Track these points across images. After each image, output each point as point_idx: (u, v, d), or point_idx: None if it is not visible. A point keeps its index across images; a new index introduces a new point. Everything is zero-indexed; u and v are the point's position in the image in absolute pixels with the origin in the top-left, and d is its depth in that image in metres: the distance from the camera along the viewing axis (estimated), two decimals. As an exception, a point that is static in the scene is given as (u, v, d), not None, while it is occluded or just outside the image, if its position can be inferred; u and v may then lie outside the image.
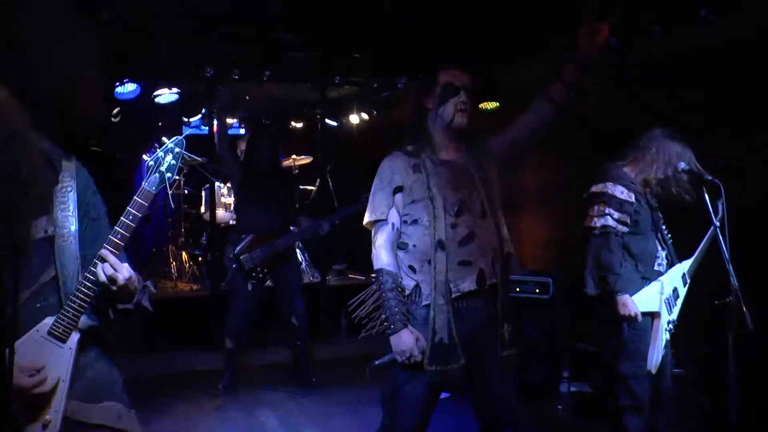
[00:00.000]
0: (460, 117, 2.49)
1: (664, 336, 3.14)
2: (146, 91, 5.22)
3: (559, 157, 5.61)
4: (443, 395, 4.37)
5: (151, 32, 4.53)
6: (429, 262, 2.41)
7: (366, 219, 2.56)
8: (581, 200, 3.29)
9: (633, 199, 3.14)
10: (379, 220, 2.50)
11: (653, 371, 3.11)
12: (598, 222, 3.15)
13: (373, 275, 2.49)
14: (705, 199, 2.86)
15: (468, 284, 2.42)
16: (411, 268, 2.46)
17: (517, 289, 4.81)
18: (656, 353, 3.10)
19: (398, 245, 2.51)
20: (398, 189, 2.50)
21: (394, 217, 2.50)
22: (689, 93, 4.02)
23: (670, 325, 3.17)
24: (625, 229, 3.13)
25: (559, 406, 4.27)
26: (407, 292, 2.45)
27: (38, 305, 1.74)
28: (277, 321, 5.09)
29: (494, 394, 2.53)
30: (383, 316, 2.42)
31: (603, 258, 3.12)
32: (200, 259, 7.18)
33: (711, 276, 3.54)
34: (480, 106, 5.48)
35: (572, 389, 4.31)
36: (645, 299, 3.12)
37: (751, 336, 2.75)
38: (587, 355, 4.31)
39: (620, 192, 3.13)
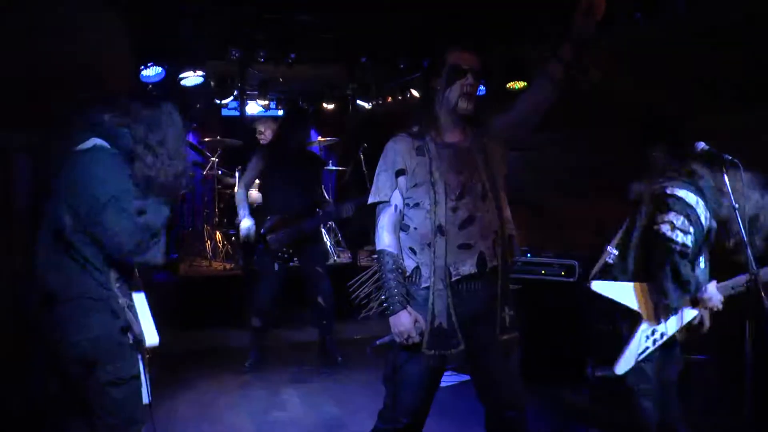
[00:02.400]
0: (465, 100, 2.47)
1: (643, 343, 2.87)
2: (171, 74, 5.29)
3: (584, 139, 5.53)
4: (458, 378, 4.44)
5: (175, 14, 4.58)
6: (429, 245, 2.41)
7: (369, 200, 2.57)
8: (647, 193, 3.01)
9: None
10: (382, 202, 2.51)
11: (618, 374, 2.87)
12: (679, 238, 2.80)
13: (375, 256, 2.50)
14: (724, 180, 2.77)
15: (468, 267, 2.42)
16: (411, 249, 2.47)
17: (543, 272, 4.77)
18: (625, 357, 2.85)
19: (401, 227, 2.51)
20: (401, 172, 2.49)
21: (397, 199, 2.50)
22: (717, 70, 3.90)
23: (657, 335, 2.89)
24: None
25: (585, 391, 4.21)
26: (408, 273, 2.46)
27: None
28: (305, 301, 5.16)
29: (496, 377, 2.52)
30: (383, 296, 2.43)
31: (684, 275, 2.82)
32: (234, 238, 7.30)
33: (728, 261, 3.46)
34: (508, 85, 5.39)
35: (598, 374, 4.24)
36: (621, 291, 2.93)
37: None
38: (613, 339, 4.24)
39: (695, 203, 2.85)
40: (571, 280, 4.71)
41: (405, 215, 2.50)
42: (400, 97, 7.28)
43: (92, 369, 2.23)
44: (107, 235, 2.19)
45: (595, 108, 5.11)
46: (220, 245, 7.25)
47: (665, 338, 2.91)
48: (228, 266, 6.84)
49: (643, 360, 2.88)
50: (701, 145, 2.89)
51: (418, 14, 5.01)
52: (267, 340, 5.10)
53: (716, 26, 3.61)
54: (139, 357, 2.35)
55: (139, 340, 2.32)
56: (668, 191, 2.88)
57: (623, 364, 2.87)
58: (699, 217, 2.83)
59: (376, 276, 2.50)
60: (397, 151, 2.51)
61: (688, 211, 2.82)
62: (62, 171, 2.28)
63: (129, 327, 2.29)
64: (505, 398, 2.54)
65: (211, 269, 6.82)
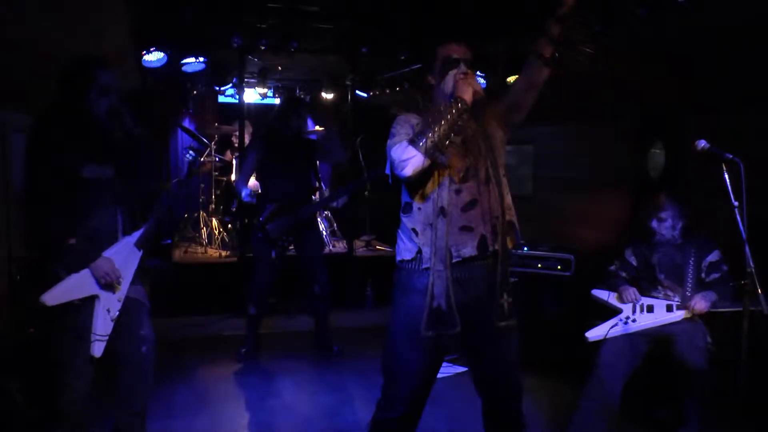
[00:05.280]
0: (461, 86, 2.45)
1: (617, 322, 3.49)
2: (173, 59, 5.27)
3: (582, 134, 5.55)
4: (454, 369, 4.47)
5: (178, 0, 4.56)
6: (431, 225, 2.42)
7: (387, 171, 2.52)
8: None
9: None
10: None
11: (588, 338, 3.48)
12: None
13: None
14: (725, 179, 2.79)
15: (469, 250, 2.42)
16: (414, 231, 2.48)
17: (539, 266, 4.81)
18: (599, 326, 3.50)
19: (403, 208, 2.53)
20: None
21: None
22: (720, 68, 3.92)
23: (629, 321, 3.49)
24: None
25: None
26: (410, 257, 2.47)
27: None
28: (301, 289, 5.16)
29: (493, 366, 2.54)
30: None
31: None
32: (230, 226, 7.31)
33: (727, 258, 3.50)
34: (508, 80, 5.40)
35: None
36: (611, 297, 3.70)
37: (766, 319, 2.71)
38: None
39: None
40: (567, 274, 4.75)
41: (406, 195, 2.52)
42: (398, 89, 7.27)
43: None
44: None
45: (594, 103, 5.14)
46: (215, 232, 7.25)
47: (634, 324, 3.46)
48: (224, 253, 6.84)
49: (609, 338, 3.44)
50: (702, 143, 2.91)
51: (419, 6, 5.00)
52: (262, 328, 5.11)
53: (719, 25, 3.61)
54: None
55: None
56: None
57: (595, 332, 3.47)
58: None
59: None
60: (412, 124, 2.49)
61: None
62: None
63: None
64: (502, 389, 2.55)
65: (207, 256, 6.82)
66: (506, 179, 2.53)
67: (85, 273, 2.69)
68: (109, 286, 2.75)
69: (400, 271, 2.54)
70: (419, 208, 2.47)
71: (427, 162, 2.36)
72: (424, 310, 2.41)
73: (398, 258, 2.56)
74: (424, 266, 2.43)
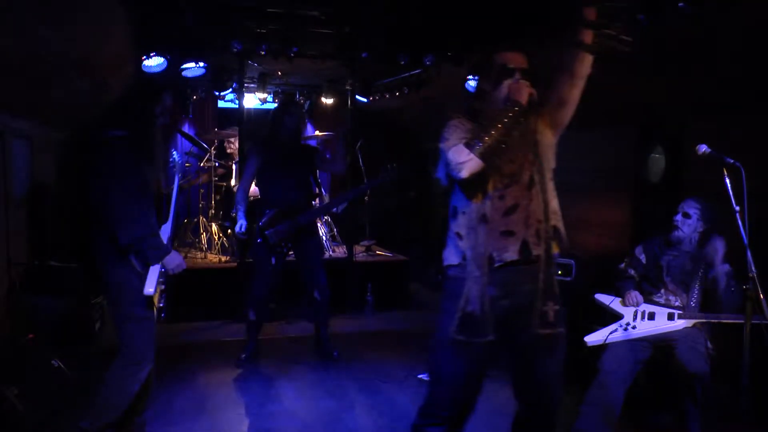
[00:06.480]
0: (516, 91, 2.43)
1: (616, 327, 3.53)
2: (173, 64, 5.27)
3: (583, 139, 5.53)
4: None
5: (178, 5, 4.55)
6: (474, 230, 2.42)
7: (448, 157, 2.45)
8: None
9: None
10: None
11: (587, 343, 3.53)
12: None
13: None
14: (726, 183, 2.78)
15: (510, 254, 2.40)
16: (458, 235, 2.47)
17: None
18: (598, 331, 3.54)
19: (451, 213, 2.52)
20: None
21: None
22: (720, 71, 3.92)
23: (629, 327, 3.51)
24: None
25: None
26: (456, 261, 2.46)
27: None
28: (301, 295, 5.15)
29: (532, 375, 2.50)
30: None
31: None
32: (229, 231, 7.29)
33: (728, 262, 3.49)
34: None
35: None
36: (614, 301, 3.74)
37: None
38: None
39: None
40: (567, 279, 4.74)
41: (454, 199, 2.51)
42: (397, 94, 7.27)
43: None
44: None
45: (593, 108, 5.13)
46: (215, 237, 7.23)
47: (634, 331, 3.49)
48: (223, 259, 6.82)
49: (611, 343, 3.48)
50: (703, 147, 2.90)
51: (419, 11, 5.00)
52: (262, 334, 5.10)
53: (718, 28, 3.61)
54: None
55: None
56: None
57: (594, 337, 3.52)
58: None
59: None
60: (465, 129, 2.48)
61: None
62: None
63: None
64: (540, 398, 2.53)
65: (207, 262, 6.80)
66: (552, 184, 2.51)
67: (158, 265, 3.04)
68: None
69: (448, 278, 2.52)
70: (464, 213, 2.46)
71: (483, 165, 2.36)
72: (457, 312, 2.40)
73: (445, 263, 2.54)
74: (469, 270, 2.42)
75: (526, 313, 2.42)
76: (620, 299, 3.67)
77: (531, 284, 2.42)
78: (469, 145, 2.35)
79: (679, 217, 3.63)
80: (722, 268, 3.45)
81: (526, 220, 2.42)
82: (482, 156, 2.34)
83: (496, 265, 2.39)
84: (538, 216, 2.44)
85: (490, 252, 2.39)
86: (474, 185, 2.43)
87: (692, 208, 3.61)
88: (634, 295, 3.61)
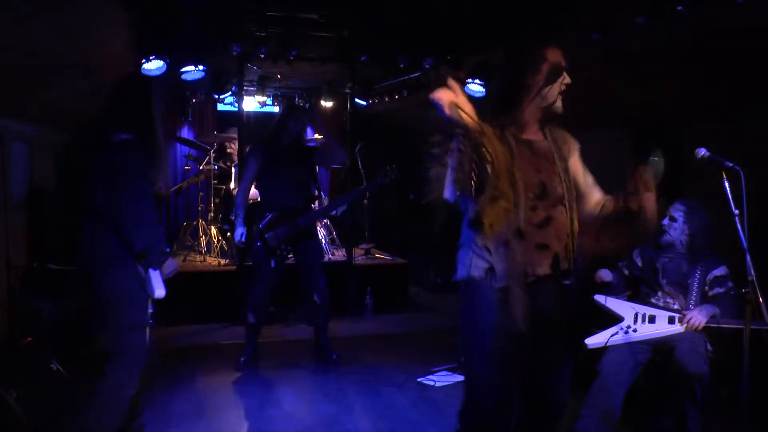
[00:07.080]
0: (561, 99, 2.42)
1: (617, 330, 3.48)
2: (172, 67, 5.28)
3: (582, 142, 5.53)
4: (454, 378, 4.45)
5: (177, 8, 4.56)
6: (506, 245, 2.31)
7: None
8: None
9: None
10: None
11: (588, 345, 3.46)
12: None
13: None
14: (725, 186, 2.78)
15: (544, 269, 2.35)
16: (485, 248, 2.37)
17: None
18: (599, 334, 3.47)
19: (472, 222, 2.38)
20: None
21: None
22: (718, 76, 3.93)
23: (630, 330, 3.46)
24: None
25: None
26: (479, 273, 2.38)
27: None
28: (300, 298, 5.16)
29: (546, 386, 2.50)
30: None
31: None
32: (229, 234, 7.30)
33: (727, 266, 3.50)
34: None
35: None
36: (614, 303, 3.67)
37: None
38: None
39: None
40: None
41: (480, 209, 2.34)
42: (397, 97, 7.29)
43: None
44: None
45: (592, 111, 5.14)
46: (214, 240, 7.24)
47: (635, 334, 3.44)
48: (222, 262, 6.82)
49: (611, 345, 3.44)
50: (702, 151, 2.90)
51: (417, 14, 5.02)
52: (261, 337, 5.09)
53: (718, 31, 3.62)
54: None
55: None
56: None
57: (595, 339, 3.45)
58: None
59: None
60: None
61: None
62: None
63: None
64: (549, 410, 2.53)
65: (206, 265, 6.80)
66: (575, 202, 2.48)
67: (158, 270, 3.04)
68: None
69: (469, 287, 2.42)
70: (491, 225, 2.27)
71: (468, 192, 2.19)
72: (494, 325, 2.33)
73: (464, 273, 2.42)
74: (498, 285, 2.32)
75: (550, 326, 2.40)
76: (617, 299, 3.68)
77: (559, 297, 2.40)
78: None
79: (666, 221, 3.66)
80: (718, 271, 3.52)
81: (558, 233, 2.38)
82: (460, 189, 2.17)
83: (530, 279, 2.32)
84: (566, 228, 2.40)
85: (525, 267, 2.30)
86: (491, 201, 2.24)
87: (678, 211, 3.63)
88: (604, 272, 3.78)
